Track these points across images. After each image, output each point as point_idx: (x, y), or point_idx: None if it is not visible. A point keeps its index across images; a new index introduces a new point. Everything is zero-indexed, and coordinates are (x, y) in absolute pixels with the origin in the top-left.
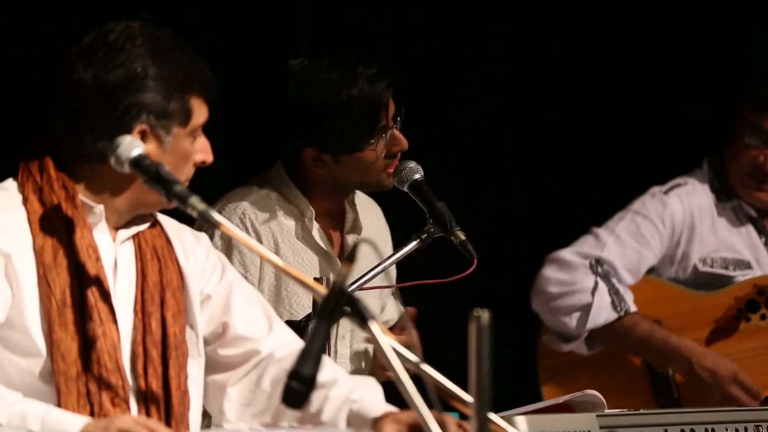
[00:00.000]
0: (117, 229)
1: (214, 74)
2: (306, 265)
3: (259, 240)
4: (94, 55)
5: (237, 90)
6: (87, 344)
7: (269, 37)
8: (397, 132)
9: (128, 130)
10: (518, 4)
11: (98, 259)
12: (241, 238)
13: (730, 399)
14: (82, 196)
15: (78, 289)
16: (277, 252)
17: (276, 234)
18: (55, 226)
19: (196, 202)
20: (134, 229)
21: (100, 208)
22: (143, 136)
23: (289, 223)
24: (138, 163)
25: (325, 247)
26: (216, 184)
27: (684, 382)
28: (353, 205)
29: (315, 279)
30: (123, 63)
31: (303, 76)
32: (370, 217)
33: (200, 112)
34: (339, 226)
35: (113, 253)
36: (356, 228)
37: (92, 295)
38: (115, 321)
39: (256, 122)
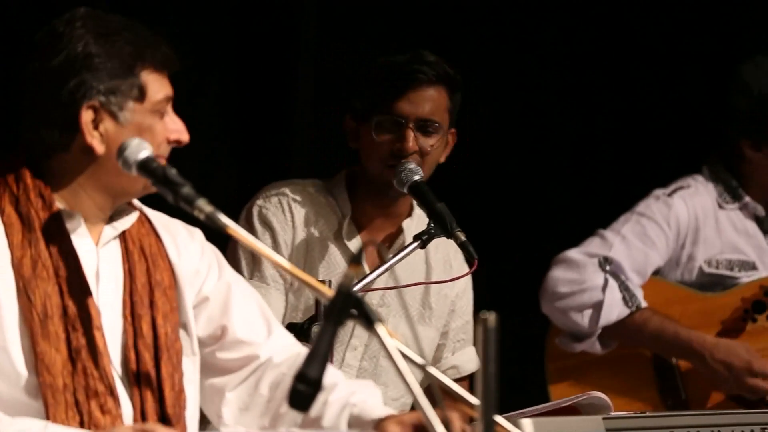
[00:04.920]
0: (101, 228)
1: (216, 75)
2: (331, 262)
3: (293, 223)
4: (39, 47)
5: (245, 97)
6: (72, 354)
7: (276, 46)
8: (409, 131)
9: (77, 111)
10: (520, 8)
11: (79, 266)
12: (247, 241)
13: (747, 389)
14: (59, 201)
15: (60, 299)
16: (307, 240)
17: (311, 223)
18: (33, 237)
19: (203, 205)
20: (118, 228)
21: (78, 213)
22: (96, 113)
23: (327, 218)
24: (145, 165)
25: (352, 248)
26: (227, 192)
27: (691, 383)
28: (402, 230)
29: (320, 281)
30: (64, 47)
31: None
32: (435, 250)
33: (158, 87)
34: (387, 246)
35: (95, 257)
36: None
37: (74, 303)
38: (100, 328)
39: (265, 129)
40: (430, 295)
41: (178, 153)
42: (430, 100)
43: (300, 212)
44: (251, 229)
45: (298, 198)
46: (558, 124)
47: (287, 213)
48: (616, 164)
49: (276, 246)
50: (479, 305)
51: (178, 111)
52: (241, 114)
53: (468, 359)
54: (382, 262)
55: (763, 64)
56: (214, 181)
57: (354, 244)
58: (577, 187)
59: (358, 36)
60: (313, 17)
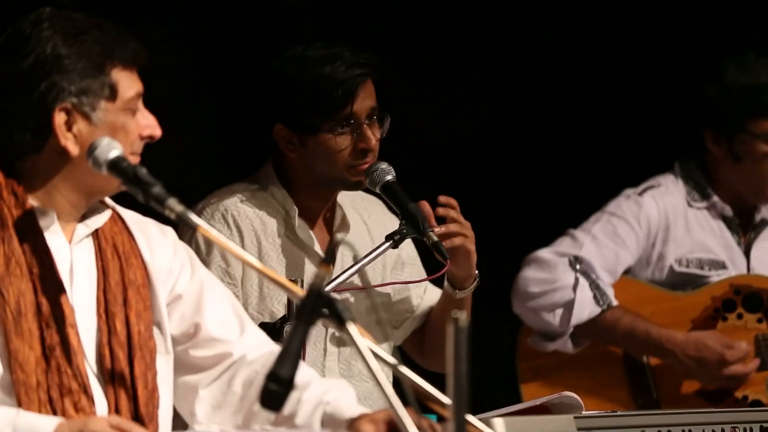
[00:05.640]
0: (74, 226)
1: (216, 75)
2: (290, 263)
3: (241, 237)
4: (6, 49)
5: (244, 97)
6: (46, 352)
7: (276, 46)
8: (366, 128)
9: (49, 114)
10: (520, 8)
11: (52, 263)
12: (219, 240)
13: (725, 380)
14: (32, 199)
15: (34, 296)
16: (259, 249)
17: (259, 231)
18: (6, 234)
19: (174, 204)
20: (91, 226)
21: (51, 211)
22: (68, 115)
23: (273, 221)
24: (116, 164)
25: (308, 244)
26: (211, 187)
27: (662, 382)
28: (337, 203)
29: (290, 280)
30: (33, 49)
31: (290, 53)
32: (367, 213)
33: (128, 84)
34: (327, 226)
35: (69, 255)
36: (345, 226)
37: (48, 301)
38: (74, 325)
39: (251, 124)
40: (379, 259)
41: (178, 152)
42: (370, 92)
43: (245, 222)
44: (197, 251)
45: (239, 208)
46: (558, 124)
47: (233, 227)
48: (616, 164)
49: (227, 264)
50: (480, 305)
51: (178, 111)
52: (241, 114)
53: (434, 293)
54: (332, 238)
55: (751, 62)
56: (214, 180)
57: (309, 239)
58: (577, 187)
59: (358, 36)
60: (313, 16)
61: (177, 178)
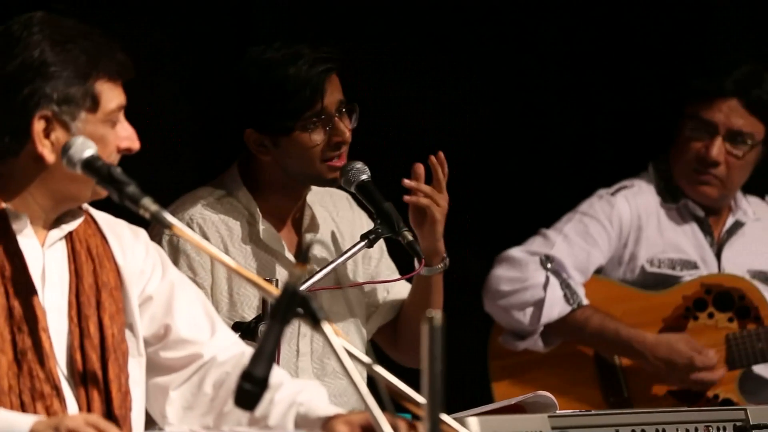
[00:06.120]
0: (47, 229)
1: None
2: (259, 267)
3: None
4: None
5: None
6: (18, 356)
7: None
8: (338, 122)
9: (29, 119)
10: (520, 8)
11: (25, 267)
12: (193, 240)
13: (691, 384)
14: (5, 202)
15: (5, 300)
16: (226, 255)
17: (225, 238)
18: None
19: (149, 203)
20: (65, 229)
21: (24, 214)
22: (48, 122)
23: (238, 225)
24: (90, 164)
25: (274, 247)
26: (183, 187)
27: (633, 381)
28: (306, 203)
29: (266, 280)
30: (20, 53)
31: (251, 56)
32: (336, 210)
33: (111, 97)
34: (296, 226)
35: (41, 258)
36: (314, 226)
37: (20, 305)
38: (46, 329)
39: (222, 123)
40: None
41: (180, 153)
42: (336, 86)
43: (211, 230)
44: None
45: (205, 215)
46: (558, 124)
47: (198, 235)
48: (616, 164)
49: (194, 273)
50: (479, 305)
51: (179, 111)
52: (199, 114)
53: (402, 286)
54: (300, 239)
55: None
56: (214, 180)
57: (275, 242)
58: (577, 187)
59: (358, 36)
60: (312, 17)
61: (177, 178)
